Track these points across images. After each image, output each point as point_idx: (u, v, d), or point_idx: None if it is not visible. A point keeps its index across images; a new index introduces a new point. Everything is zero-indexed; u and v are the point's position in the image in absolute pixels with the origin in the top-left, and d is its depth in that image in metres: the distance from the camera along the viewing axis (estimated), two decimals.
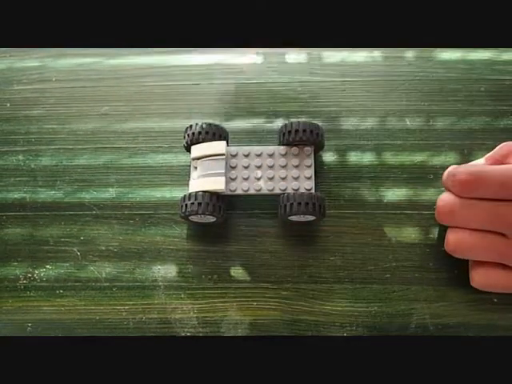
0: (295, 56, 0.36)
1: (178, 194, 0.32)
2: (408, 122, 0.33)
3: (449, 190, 0.28)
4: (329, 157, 0.33)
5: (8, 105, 0.35)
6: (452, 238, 0.27)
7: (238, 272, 0.30)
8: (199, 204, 0.28)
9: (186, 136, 0.31)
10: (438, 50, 0.35)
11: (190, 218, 0.29)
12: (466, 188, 0.26)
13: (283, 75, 0.35)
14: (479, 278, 0.28)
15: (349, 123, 0.33)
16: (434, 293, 0.29)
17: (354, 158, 0.33)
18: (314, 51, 0.35)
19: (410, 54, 0.35)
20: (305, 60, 0.35)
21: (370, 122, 0.33)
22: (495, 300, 0.29)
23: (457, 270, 0.30)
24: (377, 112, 0.33)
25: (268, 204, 0.31)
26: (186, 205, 0.29)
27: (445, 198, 0.28)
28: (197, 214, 0.29)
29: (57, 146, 0.34)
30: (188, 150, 0.31)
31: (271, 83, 0.35)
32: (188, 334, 0.29)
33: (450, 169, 0.28)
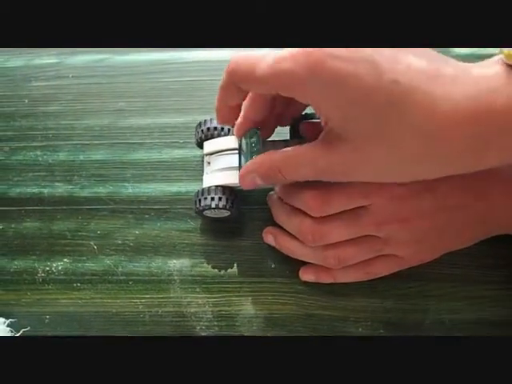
0: None
1: (193, 188, 0.32)
2: None
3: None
4: None
5: (26, 101, 0.36)
6: (332, 254, 0.27)
7: (252, 266, 0.30)
8: (212, 199, 0.28)
9: (200, 132, 0.31)
10: (442, 48, 0.34)
11: (204, 212, 0.30)
12: (319, 210, 0.26)
13: None
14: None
15: None
16: (450, 289, 0.29)
17: None
18: None
19: None
20: None
21: None
22: None
23: (473, 266, 0.29)
24: None
25: None
26: (200, 200, 0.29)
27: (306, 224, 0.27)
28: (210, 208, 0.29)
29: (74, 142, 0.34)
30: (200, 146, 0.31)
31: None
32: (203, 328, 0.29)
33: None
